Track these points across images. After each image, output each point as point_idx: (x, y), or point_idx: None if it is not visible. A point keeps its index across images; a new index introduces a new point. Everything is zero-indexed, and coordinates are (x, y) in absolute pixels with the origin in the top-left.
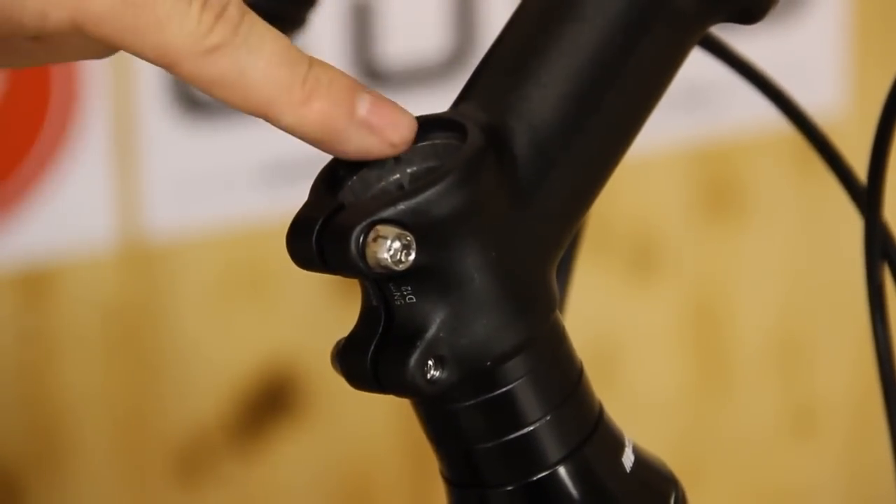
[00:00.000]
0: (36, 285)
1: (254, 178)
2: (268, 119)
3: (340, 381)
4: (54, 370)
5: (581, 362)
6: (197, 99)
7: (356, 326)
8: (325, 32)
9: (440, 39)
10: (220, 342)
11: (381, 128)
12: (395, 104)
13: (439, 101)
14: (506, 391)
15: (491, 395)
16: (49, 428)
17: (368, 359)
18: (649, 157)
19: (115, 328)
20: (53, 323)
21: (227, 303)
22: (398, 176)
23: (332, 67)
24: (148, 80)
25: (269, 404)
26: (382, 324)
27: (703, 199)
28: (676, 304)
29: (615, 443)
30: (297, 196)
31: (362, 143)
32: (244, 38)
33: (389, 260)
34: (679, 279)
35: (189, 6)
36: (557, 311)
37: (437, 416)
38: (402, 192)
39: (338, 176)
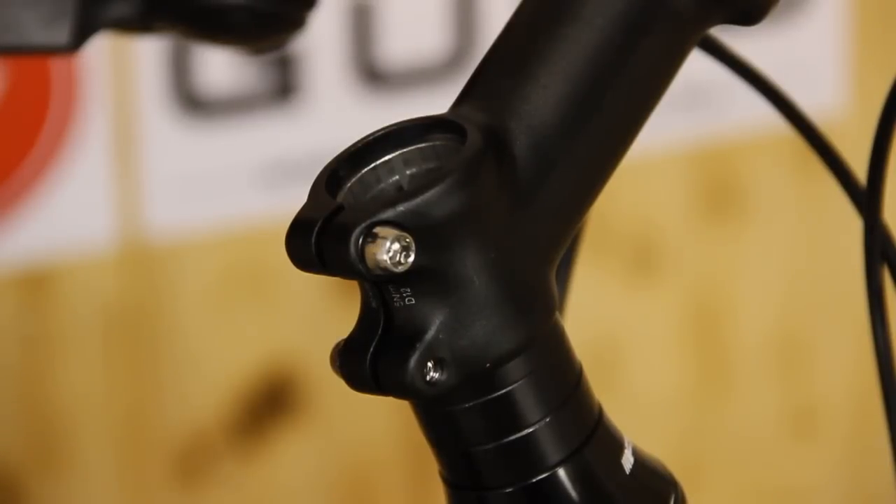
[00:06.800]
0: (36, 285)
1: (254, 178)
2: None
3: (340, 382)
4: (54, 370)
5: (580, 364)
6: (197, 99)
7: (355, 328)
8: (325, 32)
9: (440, 40)
10: (220, 343)
11: None
12: None
13: (439, 101)
14: (505, 393)
15: (490, 396)
16: (49, 428)
17: (368, 360)
18: (649, 158)
19: (115, 328)
20: (53, 323)
21: (227, 303)
22: (397, 177)
23: None
24: (148, 80)
25: (268, 405)
26: (382, 325)
27: (703, 200)
28: (676, 305)
29: (615, 444)
30: (298, 196)
31: None
32: None
33: (389, 261)
34: (679, 279)
35: None
36: (557, 313)
37: (437, 417)
38: (402, 194)
39: (337, 177)
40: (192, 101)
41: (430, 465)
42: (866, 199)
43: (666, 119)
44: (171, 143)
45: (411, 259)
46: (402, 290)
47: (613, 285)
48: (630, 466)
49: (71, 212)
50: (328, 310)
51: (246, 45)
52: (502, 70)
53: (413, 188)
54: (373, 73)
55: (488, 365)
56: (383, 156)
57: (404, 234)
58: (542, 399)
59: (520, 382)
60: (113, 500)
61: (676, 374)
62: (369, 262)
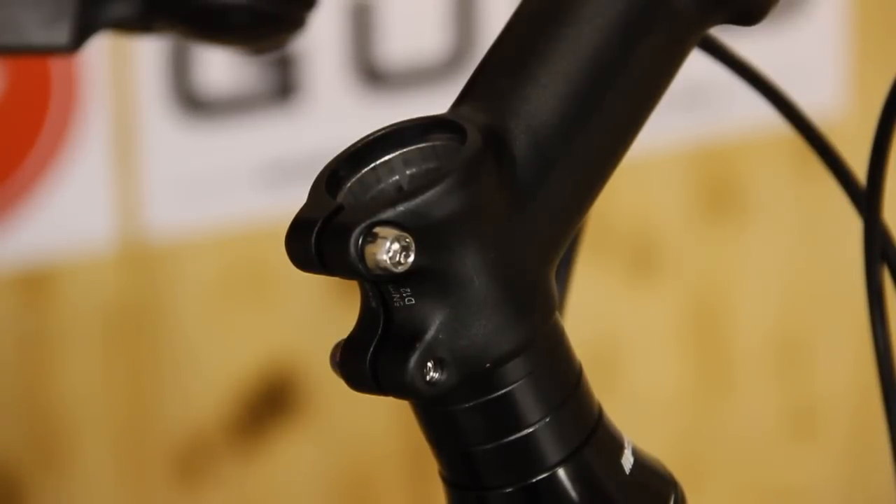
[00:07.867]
0: (36, 285)
1: (254, 178)
2: None
3: (340, 382)
4: (54, 370)
5: (580, 364)
6: (197, 99)
7: (355, 328)
8: (325, 32)
9: (440, 39)
10: (219, 342)
11: None
12: None
13: (439, 101)
14: (505, 393)
15: (490, 396)
16: (49, 428)
17: (368, 360)
18: (649, 157)
19: (115, 328)
20: (53, 323)
21: (227, 303)
22: (397, 177)
23: None
24: (148, 80)
25: (268, 405)
26: (382, 325)
27: (703, 200)
28: (676, 304)
29: (614, 444)
30: (298, 196)
31: None
32: None
33: (388, 262)
34: (679, 279)
35: None
36: (557, 313)
37: (437, 417)
38: (402, 194)
39: (337, 177)
40: (192, 102)
41: (430, 465)
42: (866, 200)
43: (666, 119)
44: (171, 143)
45: (411, 259)
46: (401, 290)
47: (613, 285)
48: (630, 466)
49: (71, 212)
50: (328, 310)
51: (246, 45)
52: (502, 70)
53: (413, 188)
54: (373, 73)
55: (488, 365)
56: (383, 156)
57: (404, 234)
58: (542, 399)
59: (519, 382)
60: (113, 500)
61: (676, 374)
62: (369, 262)
